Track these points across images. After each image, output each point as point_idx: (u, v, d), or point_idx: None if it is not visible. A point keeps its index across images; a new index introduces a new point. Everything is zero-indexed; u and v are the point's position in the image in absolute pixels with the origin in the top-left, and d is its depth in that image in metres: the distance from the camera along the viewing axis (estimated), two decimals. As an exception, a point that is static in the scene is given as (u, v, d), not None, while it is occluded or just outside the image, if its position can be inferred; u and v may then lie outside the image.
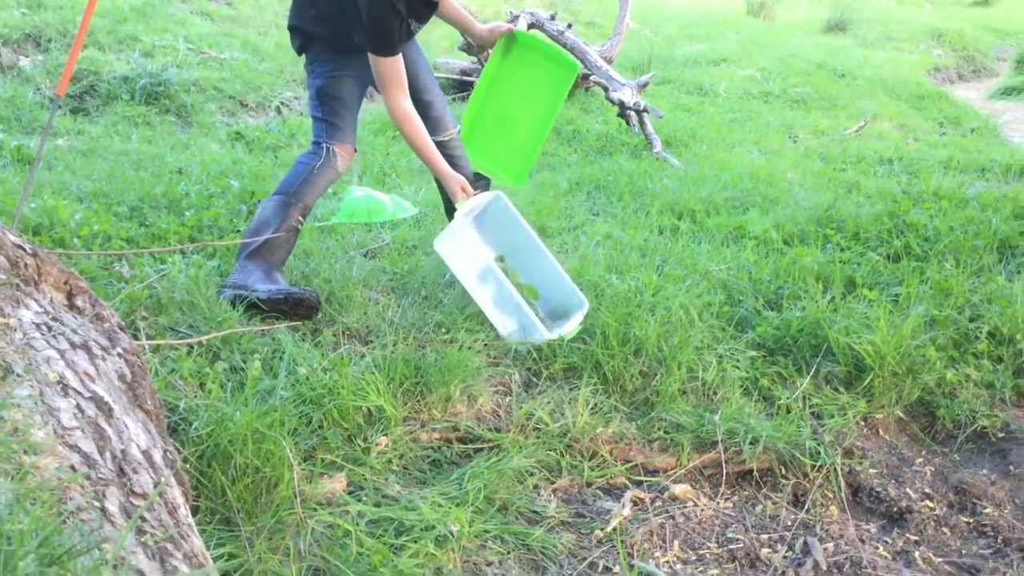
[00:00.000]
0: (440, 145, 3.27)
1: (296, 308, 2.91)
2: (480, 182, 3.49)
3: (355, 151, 3.27)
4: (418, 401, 2.52)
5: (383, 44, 2.98)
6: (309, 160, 3.18)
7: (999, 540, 2.23)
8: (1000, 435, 2.64)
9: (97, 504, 1.27)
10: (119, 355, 1.72)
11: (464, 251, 3.04)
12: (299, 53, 3.28)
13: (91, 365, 1.61)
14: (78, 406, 1.46)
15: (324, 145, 3.19)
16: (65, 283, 1.83)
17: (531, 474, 2.33)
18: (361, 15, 2.93)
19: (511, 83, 3.45)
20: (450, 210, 3.50)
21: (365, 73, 3.15)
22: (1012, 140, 7.20)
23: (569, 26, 7.39)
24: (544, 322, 3.03)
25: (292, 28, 3.23)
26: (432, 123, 3.30)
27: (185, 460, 2.00)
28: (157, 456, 1.51)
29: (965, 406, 2.70)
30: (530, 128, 3.47)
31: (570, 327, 2.97)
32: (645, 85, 6.73)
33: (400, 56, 3.03)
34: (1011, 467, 2.52)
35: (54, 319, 1.67)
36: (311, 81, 3.24)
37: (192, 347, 2.51)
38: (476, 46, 7.25)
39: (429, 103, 3.33)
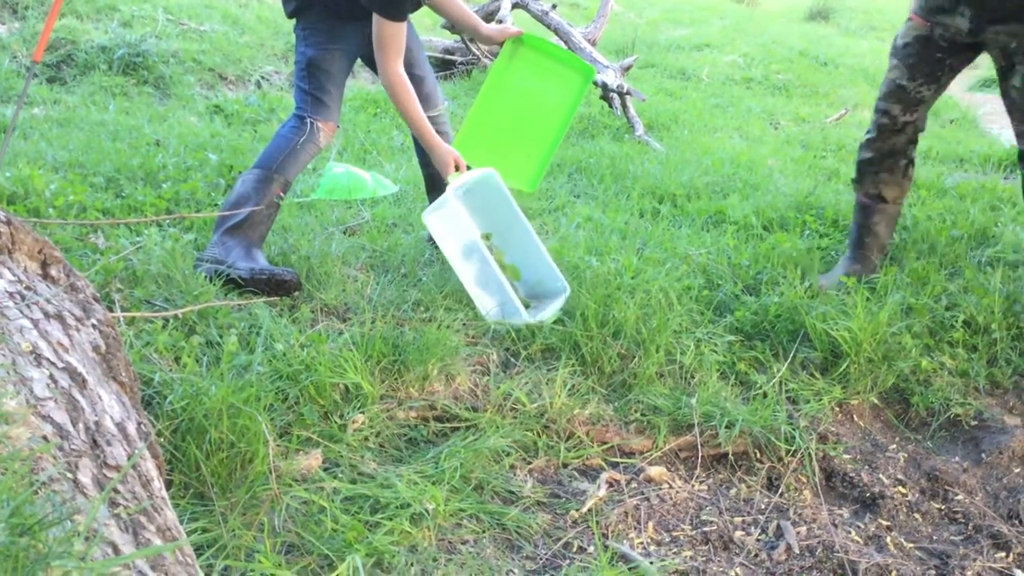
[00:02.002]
0: (429, 120, 3.22)
1: (276, 288, 2.89)
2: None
3: (337, 127, 3.23)
4: (395, 379, 2.51)
5: (394, 7, 2.94)
6: (291, 134, 3.14)
7: (970, 527, 2.26)
8: (973, 423, 2.66)
9: (70, 475, 1.25)
10: (93, 326, 1.70)
11: (452, 226, 3.01)
12: (291, 16, 3.21)
13: (65, 335, 1.59)
14: (51, 376, 1.44)
15: (308, 120, 3.14)
16: (39, 252, 1.80)
17: (507, 454, 2.33)
18: None
19: (519, 87, 3.35)
20: (431, 189, 3.50)
21: (354, 47, 3.13)
22: (991, 131, 7.25)
23: (554, 6, 7.36)
24: (525, 305, 3.02)
25: None
26: (422, 98, 3.25)
27: (159, 434, 1.98)
28: (131, 428, 1.49)
29: (939, 394, 2.72)
30: (541, 133, 3.37)
31: (550, 312, 2.97)
32: (628, 68, 6.71)
33: (405, 23, 3.00)
34: (983, 455, 2.54)
35: (27, 288, 1.64)
36: (301, 48, 3.17)
37: (167, 320, 2.49)
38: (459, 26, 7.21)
39: (420, 78, 3.29)
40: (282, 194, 3.12)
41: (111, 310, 2.48)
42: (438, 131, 3.28)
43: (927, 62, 3.06)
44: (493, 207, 3.22)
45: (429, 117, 3.23)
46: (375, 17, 2.95)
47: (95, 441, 1.38)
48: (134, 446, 1.45)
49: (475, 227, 3.12)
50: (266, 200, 3.05)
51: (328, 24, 3.13)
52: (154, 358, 2.28)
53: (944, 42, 3.02)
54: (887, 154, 3.20)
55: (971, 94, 8.43)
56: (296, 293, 2.94)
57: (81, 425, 1.39)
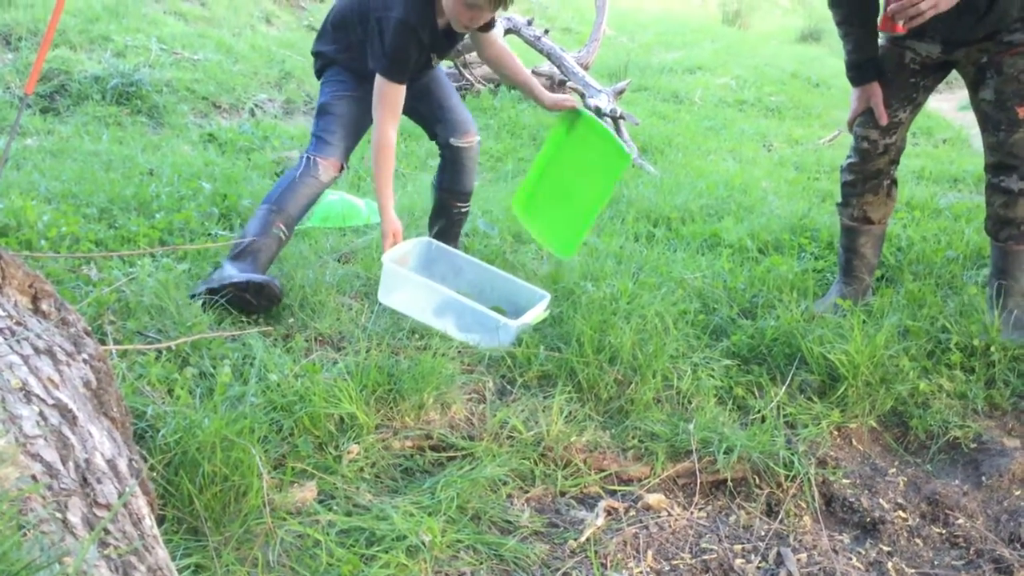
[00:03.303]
0: (456, 150, 3.41)
1: (258, 295, 2.90)
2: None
3: (343, 167, 3.30)
4: (391, 408, 2.49)
5: (395, 71, 3.07)
6: (291, 171, 3.24)
7: (971, 551, 2.24)
8: (972, 446, 2.64)
9: (59, 515, 1.24)
10: (84, 361, 1.69)
11: (411, 294, 3.09)
12: (318, 77, 3.40)
13: (55, 371, 1.58)
14: (41, 413, 1.43)
15: (307, 156, 3.23)
16: (30, 286, 1.79)
17: (504, 483, 2.31)
18: (381, 38, 3.01)
19: (572, 159, 3.45)
20: (437, 215, 3.60)
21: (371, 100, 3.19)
22: (982, 149, 7.26)
23: (546, 31, 7.40)
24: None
25: (316, 54, 3.37)
26: (452, 125, 3.39)
27: (152, 468, 1.96)
28: (122, 465, 1.48)
29: (938, 416, 2.70)
30: (583, 205, 3.44)
31: (533, 315, 3.01)
32: (621, 92, 6.74)
33: (404, 88, 3.11)
34: (983, 478, 2.52)
35: (18, 323, 1.63)
36: (321, 98, 3.32)
37: (161, 352, 2.47)
38: (452, 53, 7.24)
39: (450, 109, 3.41)
40: (284, 227, 3.15)
41: (104, 343, 2.46)
42: (464, 164, 3.44)
43: (901, 87, 3.07)
44: (449, 268, 3.35)
45: (458, 147, 3.40)
46: (376, 77, 3.07)
47: (85, 479, 1.36)
48: (125, 483, 1.43)
49: (434, 283, 3.13)
50: (263, 231, 3.10)
51: (346, 76, 3.28)
52: (147, 391, 2.26)
53: (916, 65, 3.03)
54: (870, 176, 3.21)
55: (963, 113, 8.46)
56: (278, 303, 2.97)
57: (71, 463, 1.38)
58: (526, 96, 3.54)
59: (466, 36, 3.38)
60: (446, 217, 3.59)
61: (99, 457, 1.44)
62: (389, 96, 3.08)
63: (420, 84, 3.36)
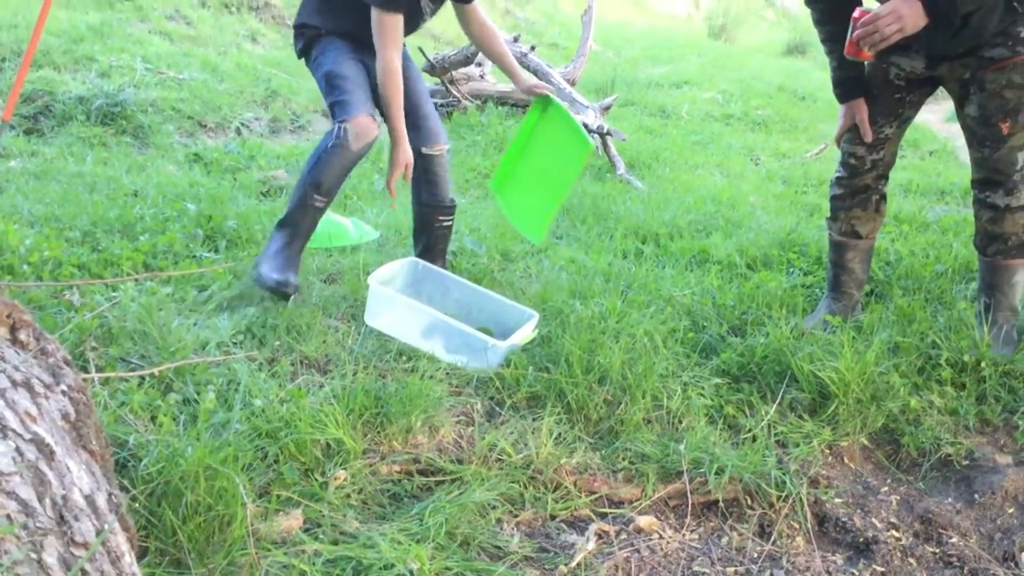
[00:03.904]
0: (427, 159, 3.39)
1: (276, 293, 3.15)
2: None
3: (372, 118, 3.21)
4: (378, 432, 2.46)
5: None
6: (323, 141, 3.22)
7: (965, 571, 2.21)
8: (964, 463, 2.63)
9: (34, 556, 1.20)
10: (63, 392, 1.65)
11: (398, 316, 3.06)
12: (301, 55, 3.39)
13: (33, 404, 1.54)
14: (17, 449, 1.39)
15: (336, 124, 3.18)
16: (8, 316, 1.76)
17: (494, 507, 2.27)
18: None
19: (544, 144, 3.50)
20: (420, 230, 3.60)
21: (370, 66, 3.23)
22: (969, 163, 7.28)
23: (532, 48, 7.40)
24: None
25: (300, 27, 3.34)
26: (425, 133, 3.39)
27: (134, 499, 1.93)
28: (101, 500, 1.44)
29: (929, 433, 2.69)
30: (551, 191, 3.47)
31: (521, 335, 2.99)
32: (608, 107, 6.74)
33: (401, 16, 3.10)
34: (976, 495, 2.51)
35: (-6, 356, 1.60)
36: (317, 73, 3.30)
37: (143, 379, 2.44)
38: (439, 68, 7.23)
39: (425, 116, 3.41)
40: (319, 196, 3.23)
41: (85, 370, 2.43)
42: (435, 172, 3.44)
43: (886, 103, 3.06)
44: (436, 288, 3.34)
45: (428, 154, 3.39)
46: (372, 10, 3.07)
47: (62, 517, 1.33)
48: (103, 520, 1.40)
49: (421, 304, 3.11)
50: (299, 202, 3.24)
51: (340, 43, 3.28)
52: (129, 419, 2.23)
53: (901, 80, 3.03)
54: (858, 191, 3.20)
55: (948, 124, 8.49)
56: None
57: (48, 500, 1.34)
58: (508, 74, 3.55)
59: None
60: (429, 233, 3.57)
61: (77, 493, 1.41)
62: (387, 24, 3.08)
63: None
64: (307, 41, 3.33)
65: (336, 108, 3.20)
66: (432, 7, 3.32)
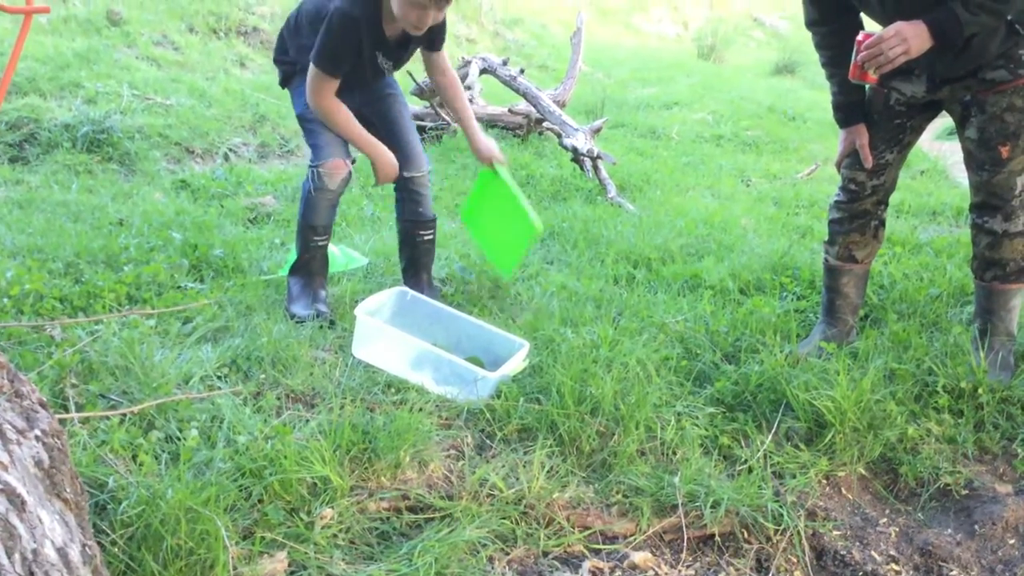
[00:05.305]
0: (410, 180, 3.52)
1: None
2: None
3: (345, 163, 3.37)
4: (366, 469, 2.40)
5: (326, 59, 3.13)
6: (304, 185, 3.43)
7: (968, 605, 2.17)
8: (963, 492, 2.58)
9: (-1, 618, 1.15)
10: (37, 438, 1.60)
11: (386, 347, 3.02)
12: (283, 86, 3.54)
13: (5, 452, 1.49)
14: (-15, 500, 1.34)
15: (310, 169, 3.36)
16: (-20, 358, 1.70)
17: (484, 545, 2.21)
18: (325, 27, 3.08)
19: (496, 203, 3.65)
20: (403, 243, 3.70)
21: (347, 100, 3.28)
22: (961, 183, 7.26)
23: (521, 71, 7.39)
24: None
25: (277, 62, 3.48)
26: (409, 158, 3.49)
27: (113, 543, 1.87)
28: (74, 553, 1.39)
29: (928, 462, 2.64)
30: (515, 236, 3.63)
31: (512, 366, 2.95)
32: (598, 130, 6.72)
33: (336, 81, 3.18)
34: (976, 526, 2.46)
35: (-36, 401, 1.54)
36: (295, 110, 3.43)
37: (125, 416, 2.38)
38: (428, 91, 7.21)
39: (407, 143, 3.51)
40: (318, 237, 3.47)
41: (65, 408, 2.37)
42: (420, 192, 3.58)
43: (887, 128, 3.04)
44: (424, 318, 3.30)
45: (411, 178, 3.52)
46: (310, 67, 3.16)
47: (32, 573, 1.28)
48: (76, 574, 1.35)
49: (409, 335, 3.05)
50: (304, 247, 3.48)
51: None
52: (109, 459, 2.17)
53: (902, 106, 3.00)
54: (857, 215, 3.17)
55: (939, 143, 8.48)
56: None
57: (17, 555, 1.29)
58: (463, 130, 3.62)
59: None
60: (412, 246, 3.69)
61: (49, 546, 1.35)
62: (319, 82, 3.17)
63: (386, 107, 3.49)
64: (285, 75, 3.49)
65: (312, 151, 3.37)
66: (389, 64, 3.37)
